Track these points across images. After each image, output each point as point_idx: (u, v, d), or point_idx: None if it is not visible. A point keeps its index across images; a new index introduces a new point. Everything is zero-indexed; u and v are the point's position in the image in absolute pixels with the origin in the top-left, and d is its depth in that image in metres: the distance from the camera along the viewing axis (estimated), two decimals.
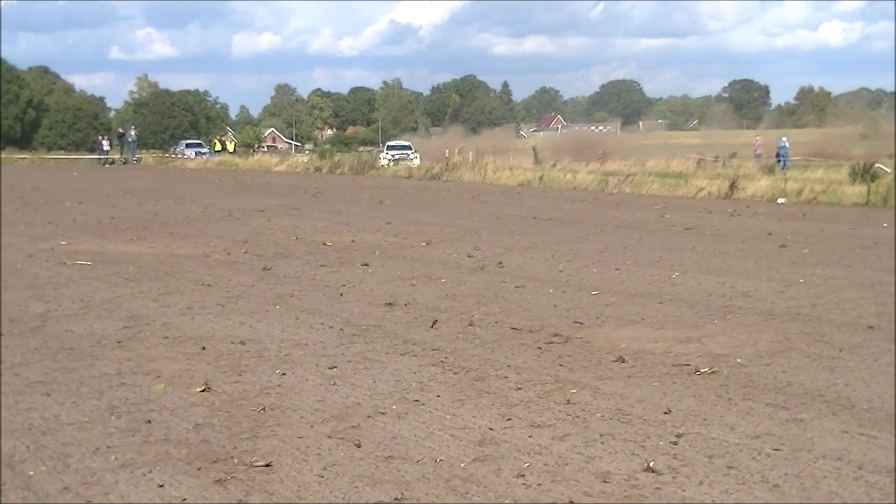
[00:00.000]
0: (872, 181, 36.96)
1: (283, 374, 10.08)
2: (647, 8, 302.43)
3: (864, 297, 14.45)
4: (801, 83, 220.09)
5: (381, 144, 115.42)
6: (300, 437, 7.93)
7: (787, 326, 12.29)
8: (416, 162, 69.62)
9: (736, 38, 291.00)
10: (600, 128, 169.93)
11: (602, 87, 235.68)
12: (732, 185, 38.65)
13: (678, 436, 7.82)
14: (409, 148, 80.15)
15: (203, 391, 9.35)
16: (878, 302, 13.96)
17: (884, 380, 9.57)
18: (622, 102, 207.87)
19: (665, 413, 8.47)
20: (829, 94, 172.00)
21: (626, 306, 13.92)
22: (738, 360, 10.46)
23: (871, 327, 12.16)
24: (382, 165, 68.14)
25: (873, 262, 18.28)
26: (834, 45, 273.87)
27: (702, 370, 9.99)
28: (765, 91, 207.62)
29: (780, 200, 35.73)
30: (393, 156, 74.30)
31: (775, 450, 7.48)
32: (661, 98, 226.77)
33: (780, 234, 23.40)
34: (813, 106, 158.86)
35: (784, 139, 63.71)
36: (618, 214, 30.46)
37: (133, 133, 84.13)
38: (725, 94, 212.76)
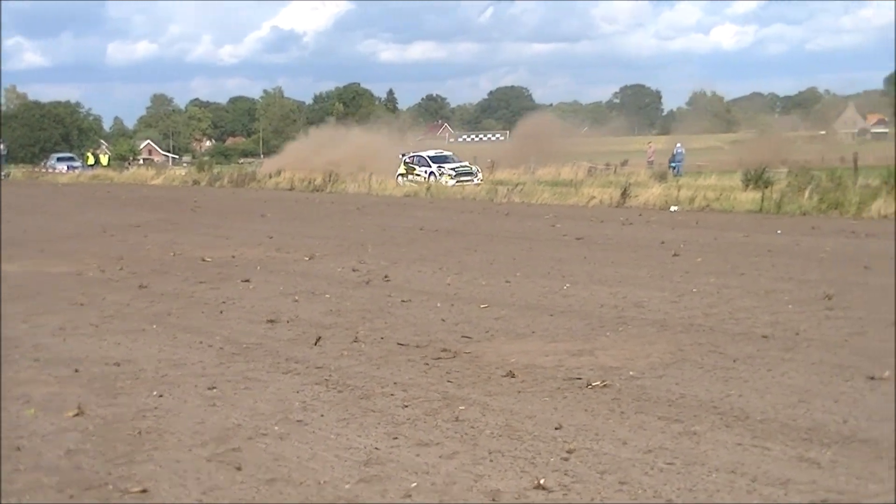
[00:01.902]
0: (766, 188, 37.51)
1: (161, 395, 10.00)
2: (539, 12, 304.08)
3: (759, 305, 14.65)
4: (693, 88, 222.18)
5: (257, 152, 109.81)
6: (178, 462, 7.87)
7: (681, 337, 12.43)
8: (480, 178, 54.67)
9: (629, 43, 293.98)
10: (489, 136, 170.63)
11: (490, 93, 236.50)
12: (624, 194, 39.04)
13: (569, 451, 7.88)
14: (450, 160, 58.34)
15: (76, 415, 9.24)
16: (773, 311, 14.16)
17: (777, 390, 9.71)
18: (511, 109, 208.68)
19: (556, 428, 8.52)
20: (722, 98, 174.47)
21: (516, 319, 13.99)
22: (631, 373, 10.56)
23: (765, 337, 12.31)
24: (401, 182, 55.12)
25: (767, 270, 18.54)
26: (727, 49, 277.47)
27: (593, 384, 10.07)
28: (657, 96, 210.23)
29: (673, 208, 36.13)
30: (454, 170, 55.27)
31: (668, 464, 7.57)
32: (551, 104, 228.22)
33: (673, 242, 23.65)
34: (706, 111, 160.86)
35: (680, 145, 64.42)
36: (507, 225, 30.61)
37: (1, 147, 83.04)
38: (617, 100, 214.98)
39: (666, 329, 12.99)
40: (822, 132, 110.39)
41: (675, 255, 21.09)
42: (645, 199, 38.53)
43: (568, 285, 17.04)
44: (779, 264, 19.29)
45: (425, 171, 55.68)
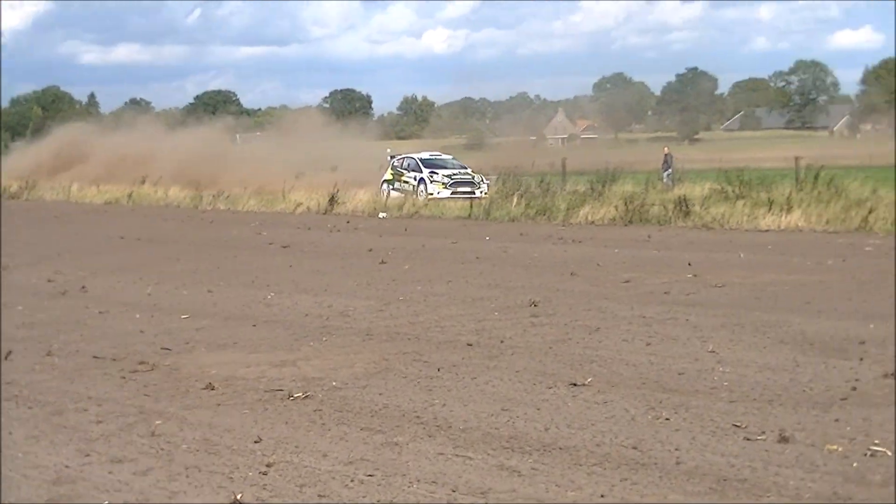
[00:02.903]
0: None
1: None
2: (248, 13, 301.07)
3: (465, 313, 14.90)
4: (405, 92, 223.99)
5: None
6: None
7: (386, 346, 12.57)
8: (484, 190, 42.26)
9: (339, 46, 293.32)
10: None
11: (197, 98, 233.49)
12: (332, 200, 39.18)
13: (268, 465, 7.88)
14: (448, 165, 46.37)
15: None
16: (479, 318, 14.43)
17: (480, 398, 9.91)
18: (217, 115, 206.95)
19: (255, 442, 8.52)
20: (433, 103, 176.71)
21: (217, 330, 13.93)
22: (334, 383, 10.63)
23: (470, 345, 12.54)
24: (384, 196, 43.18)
25: (475, 277, 18.88)
26: (439, 53, 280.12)
27: (295, 395, 10.10)
28: (367, 101, 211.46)
29: (381, 215, 36.50)
30: (450, 177, 43.72)
31: (369, 476, 7.64)
32: (259, 109, 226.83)
33: (381, 249, 23.85)
34: (416, 116, 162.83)
35: (390, 150, 64.92)
36: (212, 233, 30.46)
37: None
38: (326, 105, 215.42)
39: (371, 338, 13.12)
40: (533, 137, 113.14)
41: (382, 262, 21.28)
42: (353, 205, 38.82)
43: (272, 294, 17.04)
44: (486, 271, 19.68)
45: (415, 178, 44.97)
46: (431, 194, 42.31)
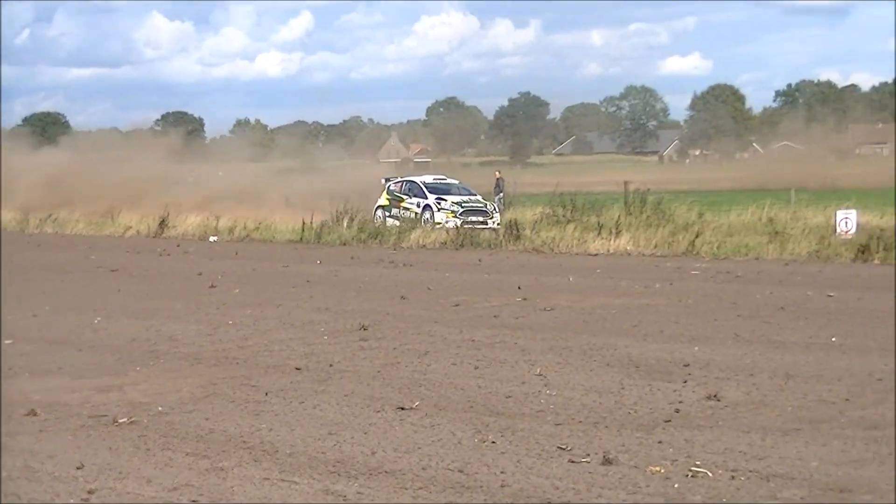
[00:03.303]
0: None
1: None
2: (79, 35, 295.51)
3: (294, 337, 14.88)
4: (238, 115, 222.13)
5: None
6: None
7: (214, 371, 12.49)
8: (497, 221, 37.94)
9: (172, 68, 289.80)
10: None
11: (25, 119, 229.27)
12: (162, 224, 38.87)
13: (90, 492, 7.79)
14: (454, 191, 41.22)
15: None
16: (307, 342, 14.41)
17: (308, 423, 9.90)
18: (47, 136, 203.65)
19: (78, 468, 8.40)
20: (266, 126, 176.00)
21: (42, 355, 13.72)
22: (160, 408, 10.53)
23: (298, 369, 12.53)
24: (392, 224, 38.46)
25: (305, 301, 18.86)
26: (273, 76, 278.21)
27: (120, 420, 9.98)
28: (200, 124, 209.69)
29: (212, 238, 36.29)
30: (460, 205, 38.81)
31: (193, 501, 7.60)
32: (89, 131, 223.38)
33: (210, 273, 23.67)
34: (249, 139, 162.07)
35: (221, 174, 64.64)
36: (39, 256, 30.00)
37: None
38: (158, 127, 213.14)
39: (199, 362, 13.04)
40: (366, 161, 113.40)
41: (212, 286, 21.14)
42: (184, 229, 38.53)
43: (99, 319, 16.82)
44: (317, 295, 19.66)
45: (418, 204, 39.82)
46: (439, 223, 37.81)
